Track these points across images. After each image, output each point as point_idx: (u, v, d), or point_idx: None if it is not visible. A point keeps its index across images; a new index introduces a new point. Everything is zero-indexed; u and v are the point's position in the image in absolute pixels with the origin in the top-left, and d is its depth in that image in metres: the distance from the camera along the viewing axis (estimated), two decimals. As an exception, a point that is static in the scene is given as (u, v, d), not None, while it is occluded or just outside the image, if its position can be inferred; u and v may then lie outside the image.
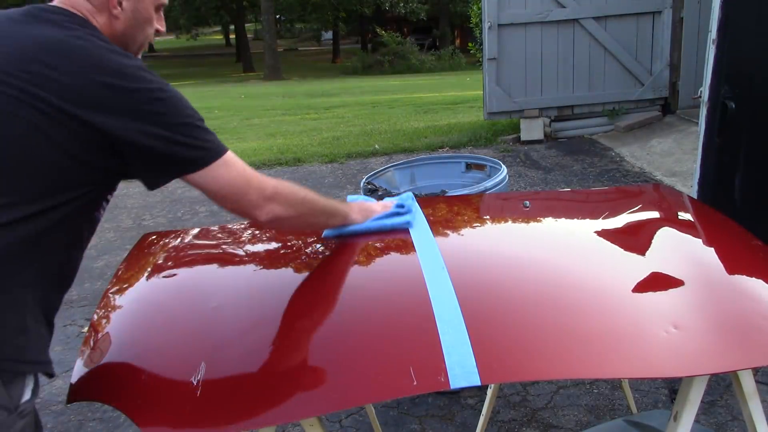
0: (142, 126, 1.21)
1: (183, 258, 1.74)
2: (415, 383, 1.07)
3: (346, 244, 1.69)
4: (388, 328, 1.26)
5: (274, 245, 1.83)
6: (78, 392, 1.26)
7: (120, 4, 1.33)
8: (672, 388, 2.71)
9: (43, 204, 1.19)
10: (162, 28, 1.46)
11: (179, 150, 1.25)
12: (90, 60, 1.21)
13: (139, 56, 1.43)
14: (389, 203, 1.71)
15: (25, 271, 1.19)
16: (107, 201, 1.37)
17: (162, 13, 1.45)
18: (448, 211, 1.97)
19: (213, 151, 1.29)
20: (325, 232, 1.63)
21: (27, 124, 1.16)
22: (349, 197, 1.81)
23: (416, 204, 1.78)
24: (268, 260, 1.68)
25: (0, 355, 1.14)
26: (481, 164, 3.25)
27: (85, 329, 3.45)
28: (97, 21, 1.31)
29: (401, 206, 1.69)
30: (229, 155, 1.31)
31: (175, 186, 6.58)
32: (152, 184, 1.31)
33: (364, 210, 1.65)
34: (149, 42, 1.45)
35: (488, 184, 2.81)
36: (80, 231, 1.32)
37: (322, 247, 1.68)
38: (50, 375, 1.26)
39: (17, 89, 1.16)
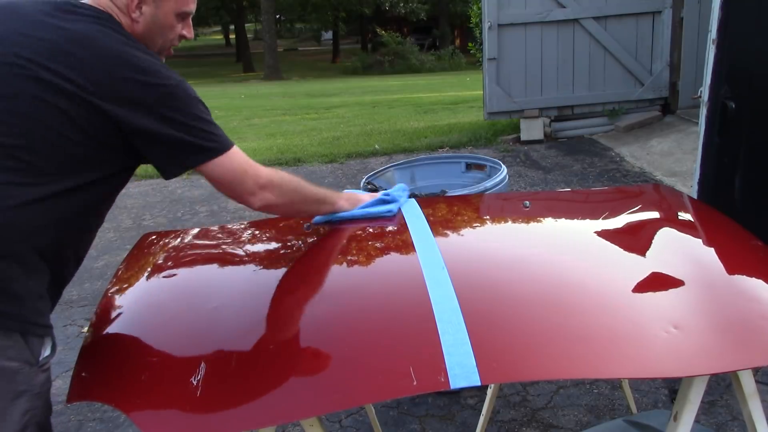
0: (161, 117, 1.34)
1: (183, 258, 1.74)
2: (415, 383, 1.07)
3: (346, 245, 1.69)
4: (388, 327, 1.26)
5: (273, 245, 1.83)
6: (78, 392, 1.26)
7: (140, 8, 1.43)
8: (672, 388, 2.71)
9: (69, 182, 1.30)
10: (189, 34, 1.55)
11: (194, 140, 1.38)
12: (114, 55, 1.32)
13: (163, 59, 1.51)
14: (378, 194, 1.81)
15: (48, 245, 1.29)
16: (123, 185, 1.50)
17: (189, 20, 1.54)
18: (448, 211, 1.97)
19: (221, 143, 1.43)
20: (315, 219, 1.73)
21: (56, 109, 1.27)
22: (346, 190, 1.88)
23: (406, 194, 1.86)
24: (267, 260, 1.68)
25: (24, 317, 1.24)
26: (481, 164, 3.25)
27: (85, 329, 3.44)
28: (121, 20, 1.41)
29: (387, 194, 1.79)
30: (234, 147, 1.46)
31: (175, 186, 6.57)
32: (167, 172, 1.43)
33: (353, 199, 1.75)
34: (173, 45, 1.54)
35: (488, 184, 2.81)
36: (100, 212, 1.46)
37: (322, 248, 1.68)
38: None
39: (49, 77, 1.27)
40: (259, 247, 1.81)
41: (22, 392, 1.23)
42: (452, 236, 1.73)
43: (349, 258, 1.62)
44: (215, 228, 2.03)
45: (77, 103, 1.28)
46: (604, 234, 1.69)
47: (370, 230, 1.83)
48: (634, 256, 1.54)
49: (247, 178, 1.47)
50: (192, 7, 1.52)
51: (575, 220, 1.91)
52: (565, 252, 1.59)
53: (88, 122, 1.30)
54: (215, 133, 1.43)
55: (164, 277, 1.63)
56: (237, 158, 1.46)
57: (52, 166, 1.28)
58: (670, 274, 1.40)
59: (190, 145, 1.38)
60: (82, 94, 1.28)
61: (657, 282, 1.38)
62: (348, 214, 1.72)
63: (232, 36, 41.16)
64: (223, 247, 1.86)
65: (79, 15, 1.36)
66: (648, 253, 1.54)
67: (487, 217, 2.00)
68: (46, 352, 1.30)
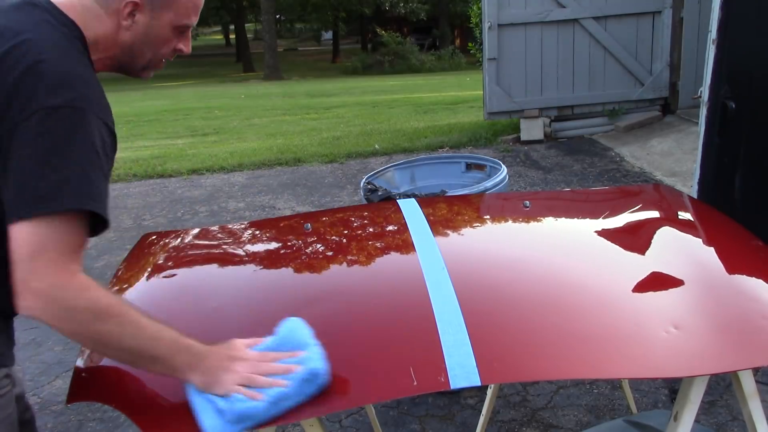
0: (20, 141, 1.05)
1: (183, 258, 1.74)
2: (415, 383, 1.07)
3: (347, 244, 1.69)
4: (389, 328, 1.26)
5: (274, 245, 1.83)
6: (78, 392, 1.26)
7: (132, 15, 1.22)
8: (672, 388, 2.71)
9: None
10: (186, 49, 1.33)
11: (32, 185, 1.04)
12: (16, 47, 1.10)
13: (151, 73, 1.35)
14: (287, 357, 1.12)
15: None
16: None
17: (189, 33, 1.32)
18: (448, 211, 1.97)
19: (50, 201, 1.04)
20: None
21: None
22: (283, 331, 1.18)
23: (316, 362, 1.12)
24: (268, 260, 1.68)
25: None
26: (481, 164, 3.25)
27: (85, 329, 3.44)
28: (94, 26, 1.22)
29: (310, 372, 1.08)
30: (63, 220, 1.05)
31: (175, 186, 6.57)
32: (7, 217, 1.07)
33: (213, 374, 1.10)
34: (165, 59, 1.33)
35: (488, 184, 2.82)
36: None
37: (322, 248, 1.68)
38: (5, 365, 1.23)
39: None
40: (260, 247, 1.81)
41: None
42: (452, 236, 1.73)
43: (349, 258, 1.62)
44: (215, 228, 2.03)
45: None
46: (605, 234, 1.69)
47: (371, 230, 1.83)
48: (634, 256, 1.54)
49: (24, 267, 1.03)
50: (194, 20, 1.29)
51: (575, 220, 1.91)
52: (565, 252, 1.59)
53: None
54: (59, 182, 1.04)
55: (164, 277, 1.63)
56: (44, 234, 1.04)
57: None
58: (670, 274, 1.40)
59: (28, 189, 1.04)
60: None
61: (657, 282, 1.38)
62: (195, 401, 1.09)
63: (232, 36, 41.17)
64: (224, 247, 1.86)
65: (25, 10, 1.17)
66: (648, 253, 1.54)
67: (487, 217, 2.00)
68: None
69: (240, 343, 1.17)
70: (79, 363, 1.34)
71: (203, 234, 1.94)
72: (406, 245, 1.59)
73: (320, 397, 1.09)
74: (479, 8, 7.57)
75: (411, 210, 1.82)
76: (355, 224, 1.88)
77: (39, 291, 1.04)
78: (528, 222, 1.87)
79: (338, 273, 1.55)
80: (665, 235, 1.68)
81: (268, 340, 1.17)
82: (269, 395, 1.06)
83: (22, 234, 1.04)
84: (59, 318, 1.06)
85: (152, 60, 1.30)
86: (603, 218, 1.83)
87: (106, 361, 1.33)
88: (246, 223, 2.06)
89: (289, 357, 1.12)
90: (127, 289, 1.61)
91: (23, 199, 1.05)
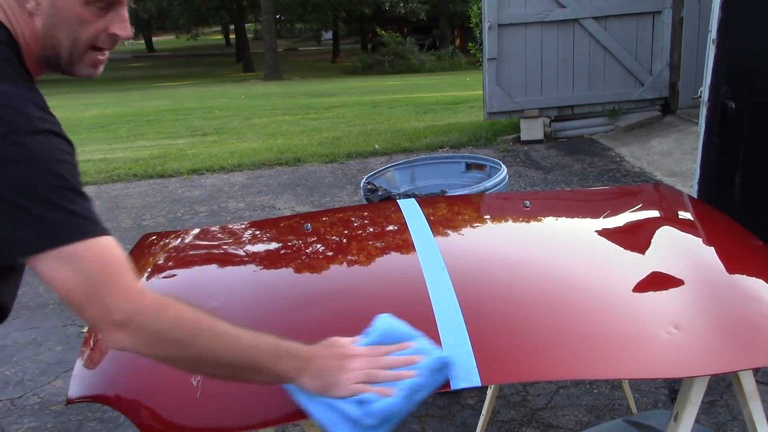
0: None
1: (183, 258, 1.74)
2: (415, 383, 1.07)
3: (347, 245, 1.69)
4: (389, 328, 1.26)
5: (274, 245, 1.83)
6: (78, 392, 1.26)
7: None
8: (672, 388, 2.71)
9: None
10: (122, 33, 1.10)
11: (14, 223, 0.92)
12: None
13: (85, 69, 1.12)
14: (402, 359, 1.02)
15: None
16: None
17: (124, 13, 1.10)
18: (448, 211, 1.97)
19: (58, 235, 0.93)
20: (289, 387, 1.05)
21: None
22: (378, 323, 1.10)
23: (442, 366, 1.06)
24: (268, 260, 1.68)
25: None
26: (481, 164, 3.26)
27: (85, 329, 3.44)
28: (19, 21, 1.07)
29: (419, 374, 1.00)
30: (89, 244, 0.95)
31: (175, 186, 6.57)
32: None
33: (329, 375, 1.00)
34: (100, 48, 1.11)
35: (488, 184, 2.82)
36: None
37: (322, 248, 1.68)
38: None
39: None
40: (260, 247, 1.81)
41: None
42: (452, 236, 1.73)
43: (349, 258, 1.62)
44: (215, 228, 2.03)
45: None
46: (605, 234, 1.69)
47: (371, 230, 1.83)
48: (634, 255, 1.54)
49: (93, 303, 0.95)
50: None
51: (575, 220, 1.91)
52: (565, 252, 1.59)
53: None
54: (56, 214, 0.93)
55: (164, 277, 1.63)
56: (87, 264, 0.94)
57: None
58: (670, 273, 1.40)
59: (10, 224, 0.92)
60: None
61: (657, 282, 1.38)
62: (316, 407, 1.00)
63: (232, 36, 41.16)
64: (224, 247, 1.86)
65: None
66: (648, 253, 1.54)
67: (487, 217, 2.00)
68: None
69: (343, 340, 1.05)
70: (79, 363, 1.34)
71: (203, 234, 1.94)
72: (406, 245, 1.59)
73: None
74: (479, 8, 7.57)
75: (411, 210, 1.82)
76: (355, 224, 1.88)
77: (123, 321, 0.96)
78: (528, 222, 1.87)
79: (338, 273, 1.55)
80: (665, 234, 1.68)
81: (369, 335, 1.06)
82: (401, 388, 0.94)
83: (62, 268, 0.94)
84: (151, 345, 0.98)
85: (74, 48, 1.09)
86: (603, 218, 1.83)
87: (106, 362, 1.33)
88: (246, 223, 2.07)
89: (399, 349, 1.03)
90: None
91: (20, 237, 0.93)
